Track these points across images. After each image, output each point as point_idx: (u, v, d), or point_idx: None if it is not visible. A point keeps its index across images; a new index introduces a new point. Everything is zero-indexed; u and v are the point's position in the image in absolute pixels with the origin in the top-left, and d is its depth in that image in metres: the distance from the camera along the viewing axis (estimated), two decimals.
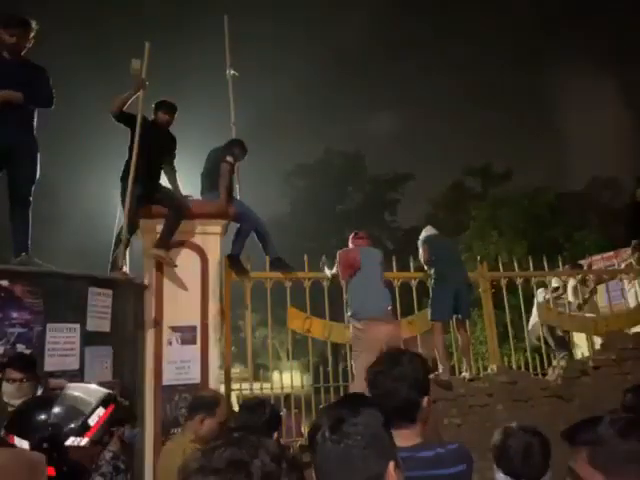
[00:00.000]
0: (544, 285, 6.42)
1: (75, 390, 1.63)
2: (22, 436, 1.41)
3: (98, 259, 5.19)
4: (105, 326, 3.91)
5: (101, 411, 1.55)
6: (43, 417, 1.47)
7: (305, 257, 5.19)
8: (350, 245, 5.04)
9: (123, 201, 4.33)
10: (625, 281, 6.42)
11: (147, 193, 4.42)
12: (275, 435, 2.72)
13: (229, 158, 4.97)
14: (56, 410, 1.50)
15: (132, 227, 4.40)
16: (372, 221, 26.29)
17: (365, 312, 4.54)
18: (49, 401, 1.54)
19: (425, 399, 1.67)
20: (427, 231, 5.44)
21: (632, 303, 6.40)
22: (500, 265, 5.84)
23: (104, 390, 1.65)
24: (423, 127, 47.83)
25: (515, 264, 5.89)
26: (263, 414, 2.67)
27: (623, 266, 6.57)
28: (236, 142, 5.29)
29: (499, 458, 1.89)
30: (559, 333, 6.31)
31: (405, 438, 1.59)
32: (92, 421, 1.51)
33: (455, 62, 52.06)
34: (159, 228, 4.51)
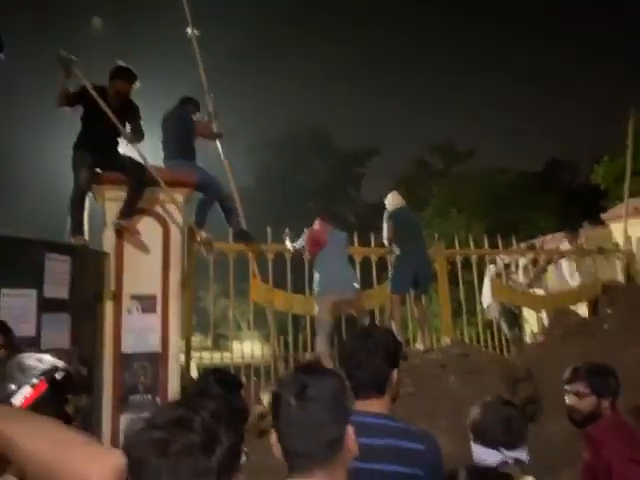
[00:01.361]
0: (495, 262, 6.66)
1: (14, 364, 1.47)
2: None
3: (55, 222, 5.05)
4: (63, 293, 3.85)
5: (27, 391, 1.40)
6: None
7: (268, 229, 5.22)
8: (316, 225, 5.10)
9: (74, 168, 4.23)
10: (565, 262, 6.71)
11: (102, 161, 4.31)
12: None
13: (195, 117, 5.03)
14: None
15: (84, 195, 4.29)
16: (336, 195, 26.38)
17: (329, 288, 4.69)
18: None
19: (395, 371, 1.74)
20: (393, 198, 5.49)
21: (572, 283, 6.68)
22: (457, 243, 6.02)
23: (43, 367, 1.47)
24: (390, 103, 47.82)
25: (471, 242, 6.08)
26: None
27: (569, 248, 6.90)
28: (185, 99, 5.21)
29: (481, 432, 1.87)
30: (512, 309, 6.60)
31: (375, 407, 1.67)
32: (17, 401, 1.38)
33: (425, 40, 51.98)
34: (119, 195, 4.44)
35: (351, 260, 5.41)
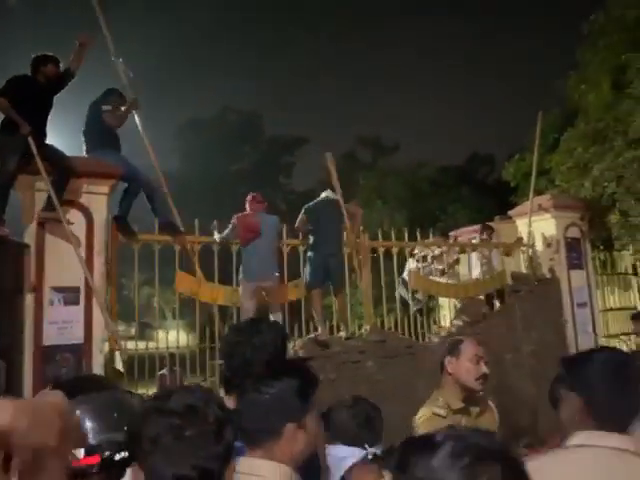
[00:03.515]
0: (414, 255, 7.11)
1: None
2: None
3: None
4: None
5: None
6: None
7: (196, 222, 5.26)
8: (247, 208, 5.20)
9: (2, 153, 4.12)
10: (474, 255, 7.25)
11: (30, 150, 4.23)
12: None
13: (105, 107, 4.89)
14: None
15: (11, 183, 4.21)
16: (267, 182, 26.32)
17: (254, 275, 4.86)
18: None
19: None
20: (325, 195, 5.72)
21: (477, 274, 7.23)
22: (379, 235, 6.35)
23: None
24: (320, 93, 48.09)
25: (392, 233, 6.44)
26: None
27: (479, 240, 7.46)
28: (109, 91, 5.14)
29: (346, 431, 1.93)
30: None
31: None
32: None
33: (355, 39, 52.53)
34: (39, 185, 4.36)
35: (279, 251, 5.58)
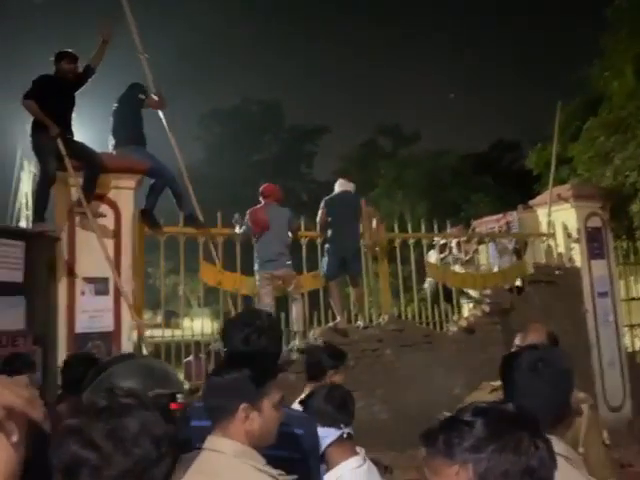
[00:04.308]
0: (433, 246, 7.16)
1: None
2: None
3: None
4: (17, 277, 4.01)
5: None
6: None
7: (219, 214, 5.43)
8: (260, 200, 5.35)
9: (38, 155, 4.35)
10: (492, 245, 7.27)
11: (65, 148, 4.44)
12: None
13: (141, 96, 5.08)
14: None
15: (52, 183, 4.45)
16: (288, 172, 26.43)
17: (266, 265, 5.02)
18: None
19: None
20: (338, 186, 5.82)
21: (498, 264, 7.26)
22: (396, 226, 6.44)
23: None
24: (341, 82, 47.73)
25: (409, 226, 6.51)
26: None
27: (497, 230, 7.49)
28: (133, 85, 5.29)
29: (323, 414, 2.11)
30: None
31: None
32: None
33: (377, 27, 51.92)
34: (71, 181, 4.57)
35: (298, 243, 5.73)
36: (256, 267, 5.17)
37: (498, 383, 2.54)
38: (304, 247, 5.79)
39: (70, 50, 4.87)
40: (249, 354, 1.77)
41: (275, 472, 1.46)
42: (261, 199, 5.36)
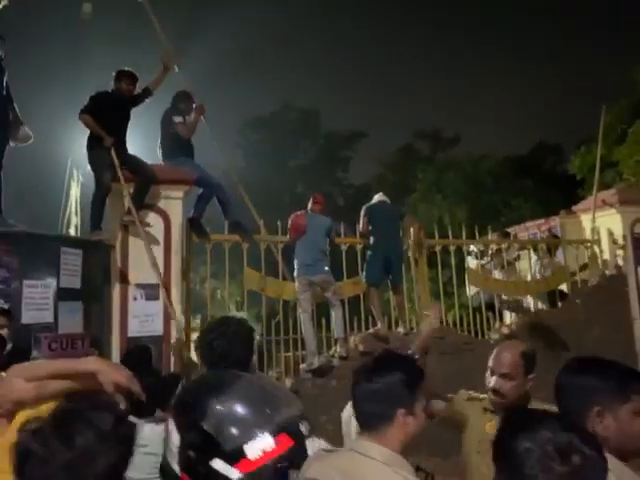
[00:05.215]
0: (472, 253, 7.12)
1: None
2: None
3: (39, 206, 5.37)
4: (76, 283, 4.26)
5: (269, 443, 1.00)
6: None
7: (261, 223, 5.61)
8: (309, 207, 5.48)
9: (96, 168, 4.61)
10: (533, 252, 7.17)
11: (118, 160, 4.70)
12: None
13: (177, 119, 5.22)
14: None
15: (107, 194, 4.71)
16: (324, 177, 26.61)
17: (302, 271, 5.13)
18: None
19: (253, 357, 2.06)
20: (377, 197, 5.95)
21: (541, 271, 7.16)
22: (436, 231, 6.46)
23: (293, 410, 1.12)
24: (378, 87, 47.62)
25: (449, 231, 6.52)
26: None
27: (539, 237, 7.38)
28: (177, 97, 5.43)
29: None
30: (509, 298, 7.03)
31: None
32: (251, 453, 0.98)
33: (415, 30, 51.56)
34: (124, 191, 4.82)
35: (338, 249, 5.83)
36: (295, 273, 5.30)
37: (473, 393, 2.54)
38: (344, 253, 5.89)
39: (131, 70, 5.09)
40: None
41: None
42: (309, 204, 5.49)
